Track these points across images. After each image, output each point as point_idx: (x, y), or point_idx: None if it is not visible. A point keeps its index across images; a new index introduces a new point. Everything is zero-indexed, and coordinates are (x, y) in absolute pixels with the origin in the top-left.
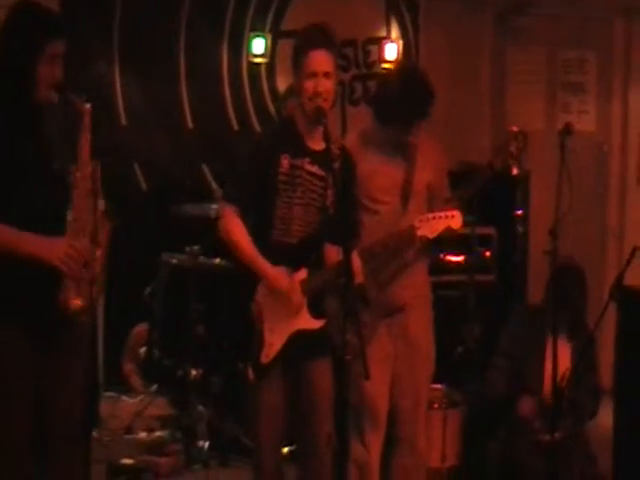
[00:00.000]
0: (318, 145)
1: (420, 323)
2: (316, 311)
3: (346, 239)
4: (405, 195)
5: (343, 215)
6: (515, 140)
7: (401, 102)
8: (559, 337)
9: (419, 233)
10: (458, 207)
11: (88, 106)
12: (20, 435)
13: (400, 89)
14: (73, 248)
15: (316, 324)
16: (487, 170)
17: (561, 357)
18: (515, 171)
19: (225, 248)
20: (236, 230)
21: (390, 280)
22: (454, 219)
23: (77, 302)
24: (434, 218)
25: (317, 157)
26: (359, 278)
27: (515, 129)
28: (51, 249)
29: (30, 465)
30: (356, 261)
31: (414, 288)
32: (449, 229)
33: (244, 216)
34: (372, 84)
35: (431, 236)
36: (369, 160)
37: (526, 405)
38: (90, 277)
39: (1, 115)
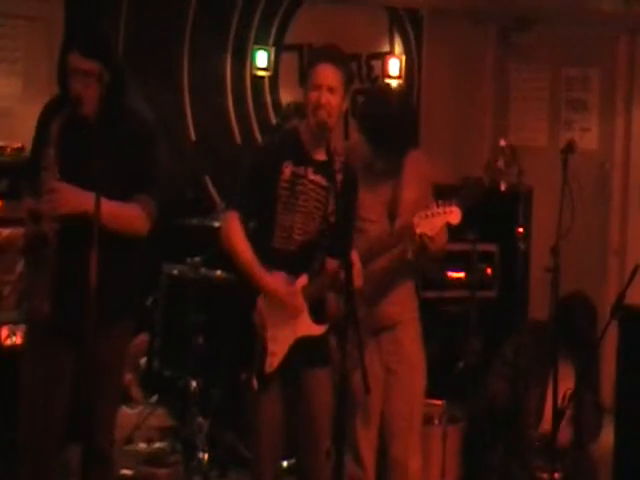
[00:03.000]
0: (321, 156)
1: (412, 340)
2: (318, 317)
3: (345, 250)
4: (392, 214)
5: (343, 227)
6: (502, 155)
7: (398, 133)
8: (562, 360)
9: (418, 231)
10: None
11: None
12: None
13: (396, 119)
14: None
15: (318, 330)
16: (477, 184)
17: (564, 377)
18: (503, 187)
19: (226, 259)
20: (236, 236)
21: (379, 298)
22: (452, 214)
23: (46, 307)
24: (432, 215)
25: (320, 167)
26: (359, 281)
27: (503, 143)
28: None
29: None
30: (356, 263)
31: (402, 305)
32: (448, 225)
33: (246, 222)
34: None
35: (430, 233)
36: None
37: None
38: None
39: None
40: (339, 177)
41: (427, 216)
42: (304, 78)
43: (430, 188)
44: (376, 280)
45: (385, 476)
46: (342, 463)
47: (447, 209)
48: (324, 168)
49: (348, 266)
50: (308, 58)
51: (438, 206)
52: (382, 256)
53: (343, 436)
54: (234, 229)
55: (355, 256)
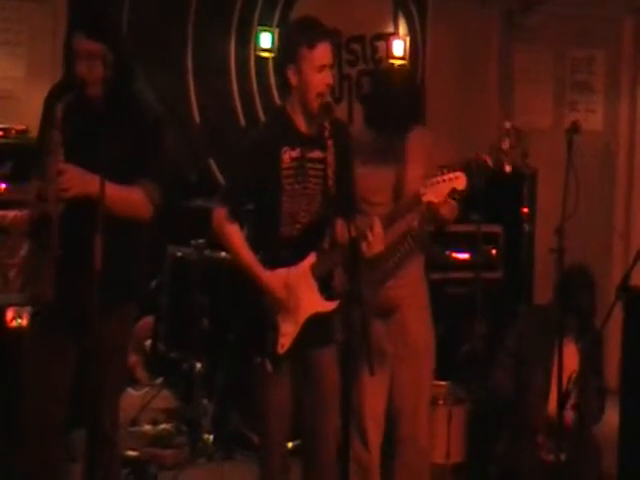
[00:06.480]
0: (312, 129)
1: (419, 323)
2: (328, 293)
3: (347, 210)
4: (397, 196)
5: (344, 187)
6: (507, 137)
7: (400, 112)
8: (567, 340)
9: (425, 199)
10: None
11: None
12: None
13: (393, 95)
14: None
15: (330, 306)
16: (480, 166)
17: (568, 360)
18: (508, 169)
19: None
20: (229, 234)
21: (385, 279)
22: (458, 180)
23: (49, 292)
24: (438, 182)
25: (315, 141)
26: (380, 246)
27: (508, 125)
28: None
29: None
30: (377, 227)
31: (409, 287)
32: (454, 191)
33: (239, 216)
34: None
35: (437, 200)
36: (359, 161)
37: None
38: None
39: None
40: (330, 142)
41: (433, 184)
42: (293, 56)
43: (435, 164)
44: (383, 259)
45: (393, 458)
46: (348, 443)
47: (452, 175)
48: (318, 140)
49: (351, 233)
50: (300, 34)
51: (443, 173)
52: (390, 229)
53: (347, 418)
54: (225, 227)
55: (377, 222)
